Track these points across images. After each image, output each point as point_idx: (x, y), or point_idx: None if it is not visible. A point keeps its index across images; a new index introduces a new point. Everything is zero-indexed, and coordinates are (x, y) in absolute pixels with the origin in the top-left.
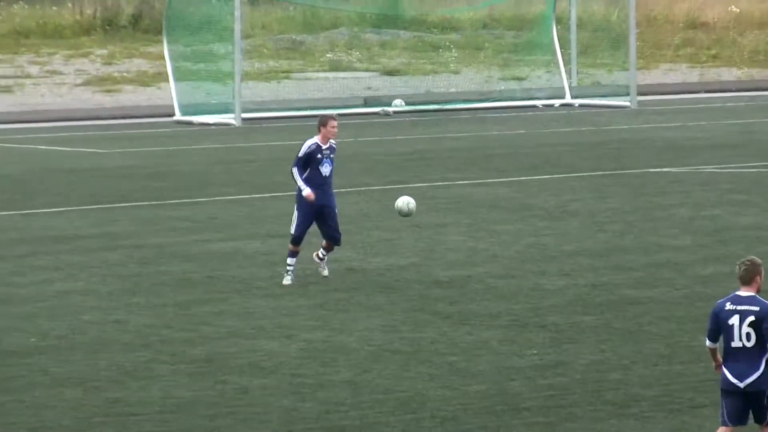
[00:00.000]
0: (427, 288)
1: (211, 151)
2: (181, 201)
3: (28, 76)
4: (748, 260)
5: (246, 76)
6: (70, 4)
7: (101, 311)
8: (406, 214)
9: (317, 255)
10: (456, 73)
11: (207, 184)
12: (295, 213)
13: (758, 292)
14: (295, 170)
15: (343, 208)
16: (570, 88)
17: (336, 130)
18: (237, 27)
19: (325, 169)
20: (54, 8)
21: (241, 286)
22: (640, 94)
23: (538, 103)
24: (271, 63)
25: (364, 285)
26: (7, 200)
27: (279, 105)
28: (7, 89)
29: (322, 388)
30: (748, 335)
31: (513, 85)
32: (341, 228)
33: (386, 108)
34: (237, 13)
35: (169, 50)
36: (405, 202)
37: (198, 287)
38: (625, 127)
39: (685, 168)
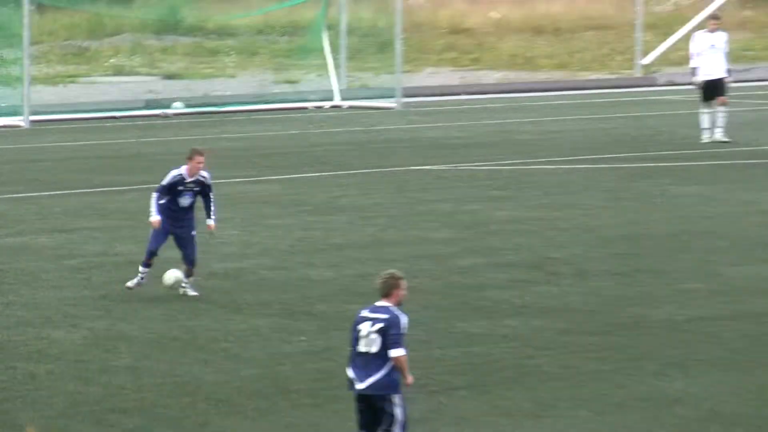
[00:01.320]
0: (204, 279)
1: (0, 152)
2: None
3: None
4: (387, 274)
5: (34, 80)
6: None
7: None
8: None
9: (182, 284)
10: (233, 77)
11: None
12: (150, 231)
13: (399, 303)
14: (153, 195)
15: (123, 206)
16: (339, 90)
17: (201, 165)
18: (26, 34)
19: (184, 201)
20: None
21: (29, 278)
22: (405, 96)
23: (310, 105)
24: (59, 68)
25: (145, 276)
26: None
27: (66, 108)
28: None
29: (105, 373)
30: (373, 342)
31: (286, 88)
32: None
33: (166, 110)
34: (25, 21)
35: None
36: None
37: None
38: (392, 127)
39: (446, 165)
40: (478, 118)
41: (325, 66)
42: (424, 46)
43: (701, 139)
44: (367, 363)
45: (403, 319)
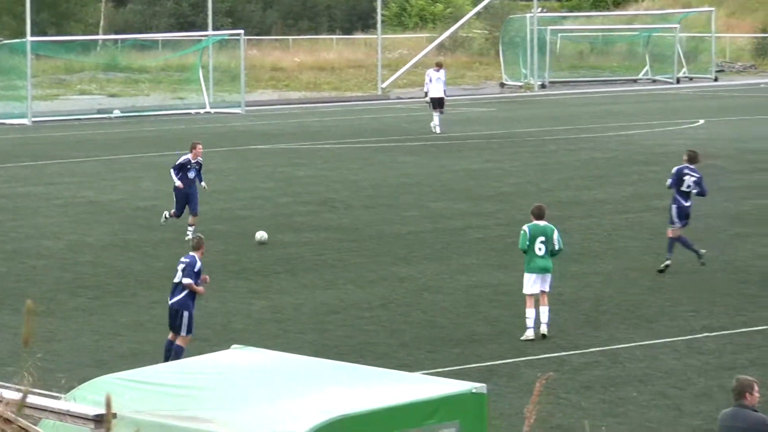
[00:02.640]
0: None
1: (15, 139)
2: None
3: None
4: (195, 236)
5: (34, 97)
6: None
7: None
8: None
9: (189, 231)
10: (148, 95)
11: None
12: (174, 198)
13: (201, 254)
14: (172, 171)
15: (85, 170)
16: (209, 103)
17: (199, 151)
18: (29, 71)
19: (191, 174)
20: None
21: (32, 211)
22: (247, 106)
23: (193, 111)
24: (48, 90)
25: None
26: None
27: (53, 114)
28: None
29: (77, 265)
30: (179, 276)
31: (179, 101)
32: None
33: (110, 115)
34: (29, 63)
35: None
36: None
37: None
38: (239, 124)
39: (270, 146)
40: (287, 118)
41: (200, 89)
42: (256, 77)
43: (434, 132)
44: (176, 288)
45: (198, 264)
